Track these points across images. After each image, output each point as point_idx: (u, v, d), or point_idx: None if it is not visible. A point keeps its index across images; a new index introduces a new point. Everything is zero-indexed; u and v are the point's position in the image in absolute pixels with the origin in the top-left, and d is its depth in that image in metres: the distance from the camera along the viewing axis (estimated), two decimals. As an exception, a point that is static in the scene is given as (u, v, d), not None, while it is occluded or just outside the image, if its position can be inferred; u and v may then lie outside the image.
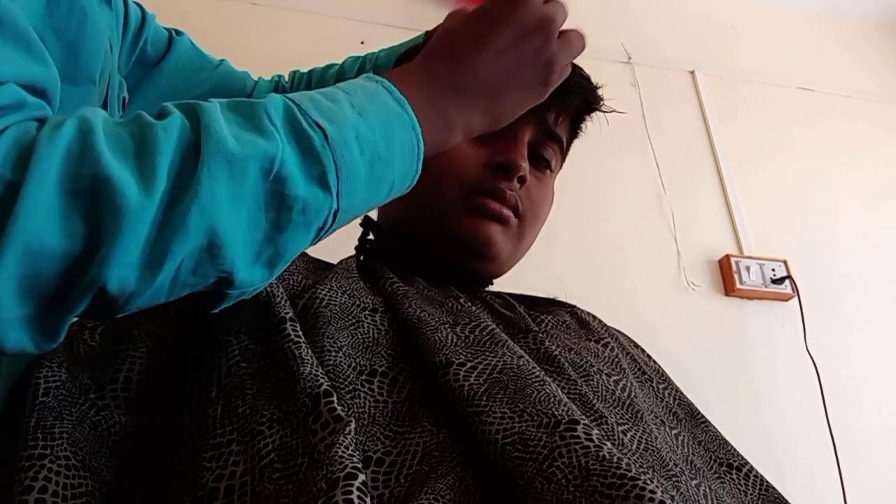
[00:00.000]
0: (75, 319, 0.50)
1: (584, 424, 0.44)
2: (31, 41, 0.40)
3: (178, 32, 0.84)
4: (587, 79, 0.73)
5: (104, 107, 0.59)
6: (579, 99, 0.72)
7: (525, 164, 0.68)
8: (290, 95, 0.44)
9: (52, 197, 0.34)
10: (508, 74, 0.53)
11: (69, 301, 0.35)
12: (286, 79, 0.98)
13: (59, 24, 0.46)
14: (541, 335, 0.61)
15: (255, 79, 0.95)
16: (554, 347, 0.60)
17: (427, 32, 0.83)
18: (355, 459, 0.40)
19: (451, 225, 0.68)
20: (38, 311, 0.35)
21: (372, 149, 0.45)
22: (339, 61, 0.94)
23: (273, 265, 0.43)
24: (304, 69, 0.97)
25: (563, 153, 0.78)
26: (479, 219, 0.68)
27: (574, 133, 0.78)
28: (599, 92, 0.75)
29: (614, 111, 0.77)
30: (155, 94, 0.81)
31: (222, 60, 0.90)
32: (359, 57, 0.91)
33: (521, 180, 0.69)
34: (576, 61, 0.68)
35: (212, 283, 0.40)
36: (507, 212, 0.69)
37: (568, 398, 0.53)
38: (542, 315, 0.71)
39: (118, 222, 0.35)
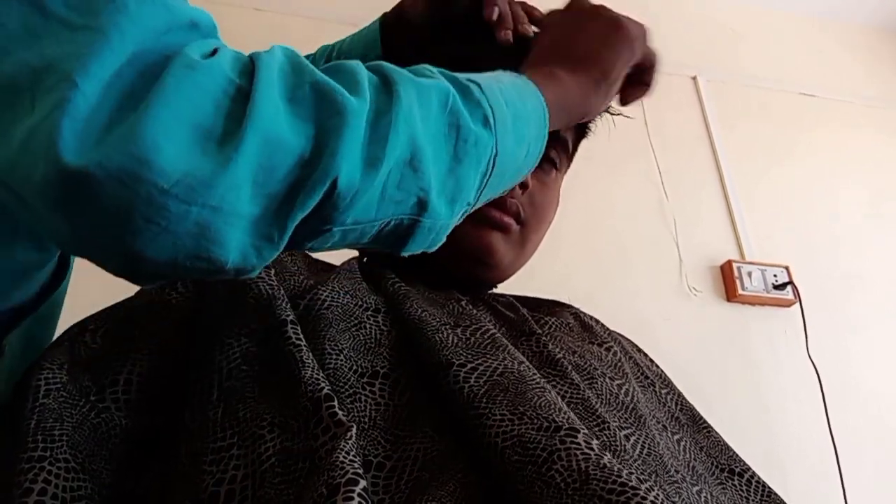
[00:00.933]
0: (84, 322, 0.50)
1: (584, 433, 0.44)
2: None
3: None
4: None
5: None
6: None
7: None
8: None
9: (279, 101, 0.36)
10: (601, 44, 0.60)
11: (301, 198, 0.36)
12: None
13: None
14: (544, 338, 0.61)
15: None
16: (557, 351, 0.60)
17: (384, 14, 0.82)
18: (356, 465, 0.40)
19: (452, 233, 0.67)
20: (270, 209, 0.36)
21: (514, 106, 0.49)
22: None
23: (453, 201, 0.45)
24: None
25: (570, 154, 0.77)
26: (479, 227, 0.67)
27: (580, 133, 0.77)
28: None
29: (621, 114, 0.76)
30: None
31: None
32: (327, 46, 0.91)
33: (523, 186, 0.68)
34: None
35: (412, 202, 0.43)
36: (507, 219, 0.68)
37: (570, 403, 0.52)
38: (546, 317, 0.70)
39: (341, 120, 0.37)
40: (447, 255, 0.68)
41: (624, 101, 0.64)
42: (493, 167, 0.47)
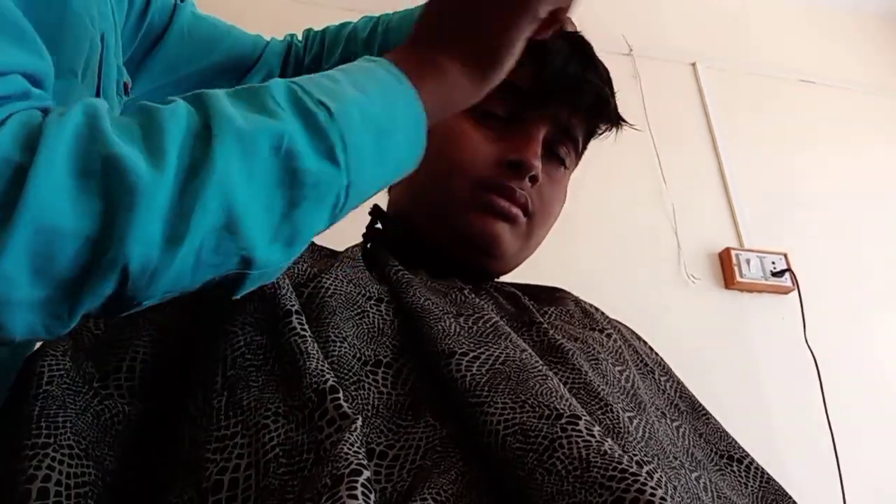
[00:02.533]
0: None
1: (585, 420, 0.44)
2: (26, 32, 0.40)
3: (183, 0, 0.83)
4: (602, 76, 0.72)
5: (97, 97, 0.58)
6: (593, 96, 0.71)
7: (537, 164, 0.67)
8: (292, 79, 0.45)
9: (62, 178, 0.33)
10: (497, 18, 0.52)
11: (90, 284, 0.35)
12: (299, 38, 0.96)
13: (39, 16, 0.45)
14: (545, 326, 0.61)
15: (268, 39, 0.93)
16: (559, 337, 0.60)
17: None
18: (360, 456, 0.40)
19: (459, 221, 0.67)
20: (54, 294, 0.34)
21: (376, 123, 0.45)
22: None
23: (291, 244, 0.43)
24: (319, 28, 0.96)
25: (579, 152, 0.76)
26: (487, 216, 0.67)
27: (590, 132, 0.76)
28: (614, 96, 0.74)
29: (628, 124, 0.76)
30: (162, 65, 0.80)
31: (231, 28, 0.89)
32: (372, 17, 0.90)
33: (533, 179, 0.68)
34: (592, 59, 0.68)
35: (234, 263, 0.40)
36: (515, 210, 0.68)
37: (572, 389, 0.53)
38: (546, 306, 0.71)
39: (132, 199, 0.34)
40: (452, 243, 0.68)
41: (535, 37, 0.55)
42: (346, 196, 0.44)
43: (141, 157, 0.35)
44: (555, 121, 0.70)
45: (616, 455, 0.41)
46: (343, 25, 0.93)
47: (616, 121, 0.75)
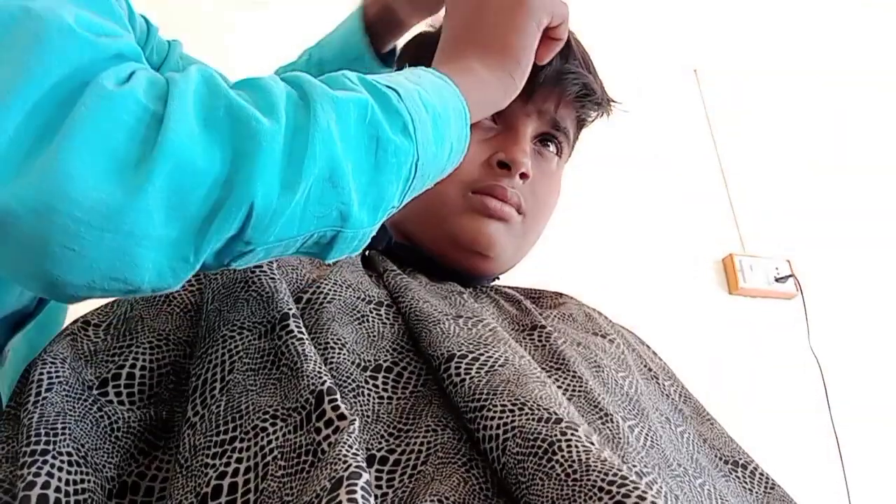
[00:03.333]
0: (87, 316, 0.50)
1: (584, 429, 0.44)
2: (121, 17, 0.43)
3: (174, 41, 0.84)
4: (586, 66, 0.71)
5: None
6: (578, 85, 0.70)
7: (526, 160, 0.67)
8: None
9: (194, 124, 0.36)
10: (487, 11, 0.58)
11: (218, 223, 0.37)
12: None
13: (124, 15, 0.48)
14: (548, 329, 0.61)
15: None
16: (561, 343, 0.59)
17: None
18: (359, 458, 0.40)
19: (453, 224, 0.67)
20: (185, 232, 0.37)
21: (433, 108, 0.49)
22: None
23: (376, 209, 0.46)
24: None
25: (571, 143, 0.76)
26: (480, 218, 0.67)
27: (580, 122, 0.76)
28: (600, 80, 0.74)
29: (616, 103, 0.76)
30: None
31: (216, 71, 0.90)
32: (308, 50, 0.91)
33: (524, 177, 0.68)
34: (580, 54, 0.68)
35: (333, 216, 0.43)
36: (509, 210, 0.68)
37: (573, 396, 0.52)
38: (548, 310, 0.70)
39: (255, 145, 0.38)
40: (448, 247, 0.68)
41: (540, 60, 0.62)
42: (415, 172, 0.48)
43: (258, 112, 0.39)
44: (542, 115, 0.70)
45: (616, 463, 0.41)
46: (290, 65, 0.94)
47: (605, 106, 0.75)
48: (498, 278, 0.77)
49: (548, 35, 0.60)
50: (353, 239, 0.46)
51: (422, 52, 0.72)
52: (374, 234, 0.48)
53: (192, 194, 0.36)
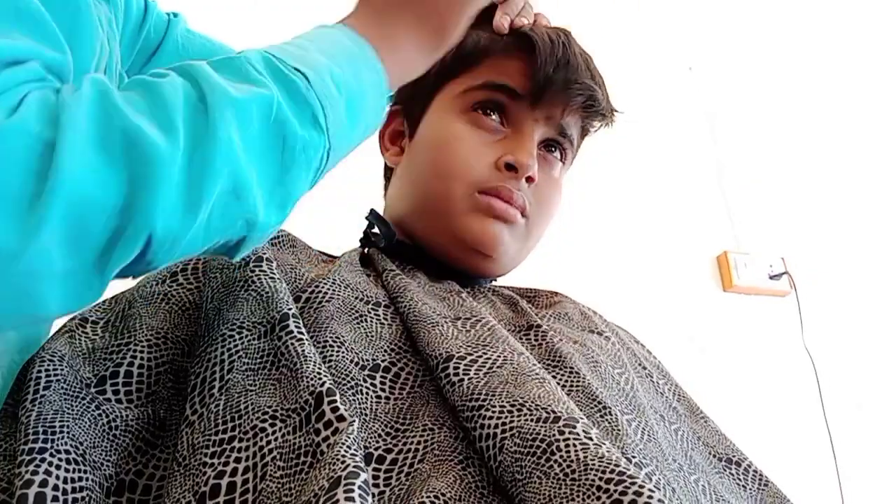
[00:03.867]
0: (85, 313, 0.50)
1: (583, 423, 0.44)
2: (48, 27, 0.41)
3: (175, 14, 0.84)
4: (594, 76, 0.72)
5: None
6: (584, 96, 0.71)
7: (533, 164, 0.68)
8: (264, 48, 0.47)
9: (89, 151, 0.35)
10: None
11: (118, 251, 0.36)
12: None
13: (53, 14, 0.46)
14: (544, 328, 0.61)
15: None
16: (558, 341, 0.60)
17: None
18: (357, 458, 0.40)
19: (458, 224, 0.68)
20: (86, 263, 0.36)
21: (346, 87, 0.47)
22: None
23: (284, 206, 0.45)
24: None
25: (575, 150, 0.77)
26: (485, 219, 0.68)
27: (585, 130, 0.77)
28: (605, 91, 0.74)
29: (620, 113, 0.76)
30: None
31: (222, 45, 0.90)
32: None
33: (530, 180, 0.69)
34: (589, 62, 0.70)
35: (239, 226, 0.42)
36: (514, 212, 0.68)
37: (571, 392, 0.53)
38: (544, 309, 0.71)
39: (153, 169, 0.36)
40: (451, 246, 0.69)
41: (502, 30, 0.62)
42: (326, 159, 0.46)
43: (155, 129, 0.37)
44: (549, 121, 0.71)
45: (614, 458, 0.41)
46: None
47: (609, 115, 0.76)
48: (496, 280, 0.77)
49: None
50: (260, 238, 0.45)
51: None
52: (280, 225, 0.47)
53: (90, 226, 0.35)
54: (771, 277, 1.94)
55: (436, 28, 0.55)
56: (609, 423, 0.50)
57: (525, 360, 0.52)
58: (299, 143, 0.43)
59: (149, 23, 0.78)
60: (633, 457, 0.46)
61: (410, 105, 0.71)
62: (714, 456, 0.62)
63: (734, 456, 0.63)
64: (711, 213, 2.06)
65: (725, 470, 0.61)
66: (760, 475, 0.62)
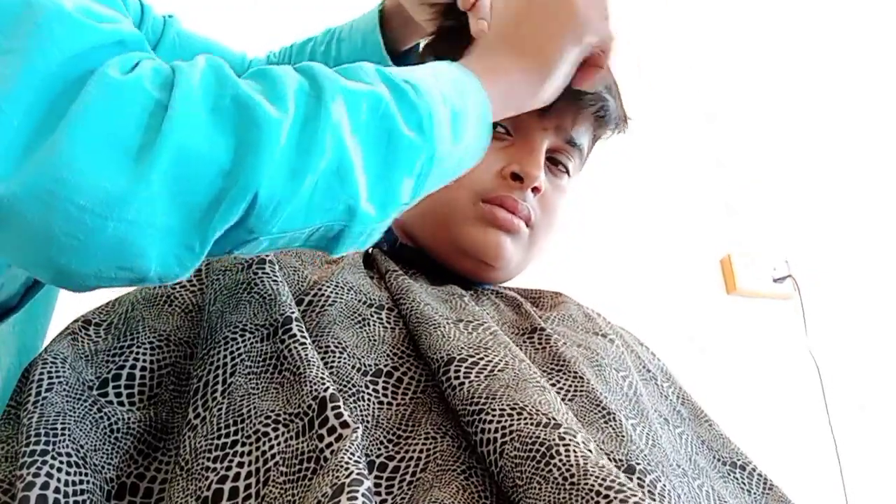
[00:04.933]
0: (88, 315, 0.50)
1: (583, 434, 0.44)
2: (121, 9, 0.43)
3: (169, 16, 0.84)
4: (607, 86, 0.71)
5: None
6: (596, 105, 0.70)
7: (539, 174, 0.67)
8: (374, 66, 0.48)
9: (199, 113, 0.36)
10: (533, 18, 0.58)
11: (221, 211, 0.37)
12: (275, 53, 0.97)
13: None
14: (547, 332, 0.61)
15: (251, 57, 0.95)
16: (561, 344, 0.59)
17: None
18: (361, 465, 0.40)
19: (461, 232, 0.67)
20: (188, 221, 0.37)
21: (451, 104, 0.48)
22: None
23: (384, 206, 0.45)
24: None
25: (584, 159, 0.76)
26: (489, 228, 0.67)
27: (597, 137, 0.76)
28: (618, 101, 0.73)
29: (631, 121, 0.76)
30: None
31: (217, 44, 0.90)
32: (329, 29, 0.91)
33: (536, 190, 0.68)
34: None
35: (340, 210, 0.43)
36: (518, 222, 0.67)
37: (575, 397, 0.52)
38: (548, 311, 0.70)
39: (261, 134, 0.37)
40: (454, 254, 0.68)
41: (577, 84, 0.61)
42: (429, 169, 0.47)
43: (267, 102, 0.39)
44: (559, 131, 0.70)
45: (614, 470, 0.41)
46: (308, 40, 0.94)
47: (622, 122, 0.75)
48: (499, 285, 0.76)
49: (589, 61, 0.60)
50: (360, 234, 0.46)
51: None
52: (383, 230, 0.48)
53: (195, 183, 0.36)
54: (775, 280, 1.94)
55: (535, 54, 0.56)
56: (613, 428, 0.49)
57: (526, 366, 0.51)
58: (404, 142, 0.44)
59: (146, 25, 0.78)
60: (639, 463, 0.46)
61: None
62: (718, 460, 0.62)
63: (738, 460, 0.62)
64: (715, 215, 2.05)
65: (730, 474, 0.61)
66: (765, 479, 0.61)
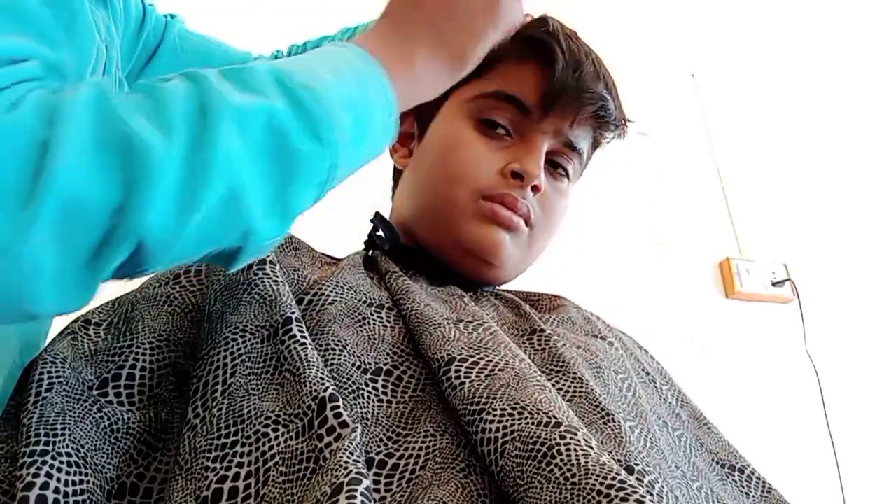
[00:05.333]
0: (88, 315, 0.50)
1: (583, 433, 0.44)
2: (48, 28, 0.42)
3: (172, 16, 0.84)
4: (607, 86, 0.72)
5: None
6: (596, 106, 0.70)
7: (539, 173, 0.67)
8: (272, 63, 0.46)
9: (84, 152, 0.35)
10: (457, 10, 0.56)
11: (109, 252, 0.36)
12: (283, 53, 0.97)
13: (51, 16, 0.47)
14: (547, 334, 0.61)
15: (255, 56, 0.95)
16: (561, 345, 0.60)
17: None
18: (360, 464, 0.40)
19: (461, 230, 0.67)
20: (78, 264, 0.36)
21: (353, 107, 0.47)
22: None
23: (284, 219, 0.44)
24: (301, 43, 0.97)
25: (583, 163, 0.76)
26: (489, 226, 0.67)
27: (597, 141, 0.76)
28: (617, 102, 0.74)
29: (630, 124, 0.76)
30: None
31: (221, 44, 0.90)
32: (347, 28, 0.91)
33: (535, 189, 0.68)
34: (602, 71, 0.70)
35: (235, 235, 0.42)
36: (517, 220, 0.68)
37: (574, 398, 0.53)
38: (548, 314, 0.71)
39: (149, 171, 0.36)
40: (454, 252, 0.68)
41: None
42: (332, 176, 0.46)
43: (153, 131, 0.37)
44: (557, 135, 0.70)
45: (615, 467, 0.41)
46: (323, 38, 0.94)
47: (622, 125, 0.75)
48: (499, 286, 0.76)
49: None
50: (259, 249, 0.45)
51: None
52: (283, 236, 0.46)
53: (82, 226, 0.35)
54: (773, 284, 1.94)
55: (454, 53, 0.55)
56: (612, 430, 0.49)
57: (526, 366, 0.51)
58: (301, 155, 0.43)
59: (147, 27, 0.78)
60: (637, 464, 0.46)
61: (421, 108, 0.71)
62: (717, 462, 0.62)
63: (737, 463, 0.62)
64: (714, 219, 2.06)
65: (728, 477, 0.61)
66: (764, 482, 0.62)
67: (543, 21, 0.71)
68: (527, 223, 0.69)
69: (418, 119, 0.74)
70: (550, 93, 0.68)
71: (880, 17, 2.50)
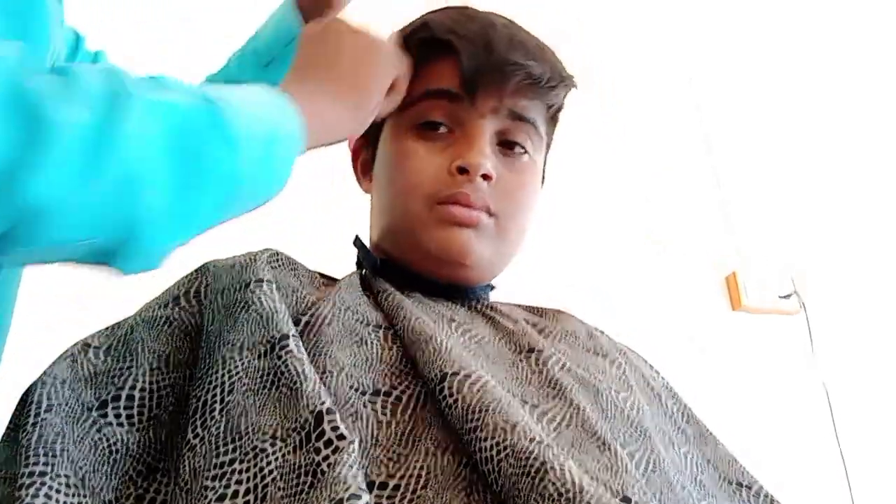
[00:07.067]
0: (88, 339, 0.50)
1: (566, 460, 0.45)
2: None
3: (97, 52, 0.84)
4: (527, 50, 0.69)
5: None
6: (520, 75, 0.67)
7: (485, 161, 0.65)
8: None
9: None
10: (361, 63, 0.63)
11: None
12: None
13: (9, 5, 0.47)
14: (545, 355, 0.61)
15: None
16: (558, 368, 0.59)
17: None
18: (360, 480, 0.40)
19: (423, 238, 0.66)
20: None
21: (264, 128, 0.48)
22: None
23: (186, 225, 0.44)
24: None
25: (541, 133, 0.73)
26: (448, 228, 0.66)
27: (547, 106, 0.73)
28: (547, 63, 0.70)
29: (575, 83, 0.74)
30: None
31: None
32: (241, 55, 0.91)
33: (486, 178, 0.66)
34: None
35: (121, 224, 0.40)
36: (476, 214, 0.66)
37: (569, 426, 0.53)
38: (550, 327, 0.70)
39: (47, 135, 0.36)
40: (424, 260, 0.68)
41: (383, 111, 0.67)
42: (231, 189, 0.46)
43: (62, 101, 0.37)
44: (496, 112, 0.68)
45: (606, 494, 0.41)
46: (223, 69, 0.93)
47: (565, 80, 0.72)
48: (492, 287, 0.75)
49: (392, 87, 0.66)
50: (149, 253, 0.43)
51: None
52: (174, 250, 0.45)
53: None
54: (780, 297, 1.93)
55: (352, 87, 0.62)
56: (608, 458, 0.49)
57: (507, 388, 0.52)
58: (208, 160, 0.43)
59: (79, 55, 0.78)
60: (633, 494, 0.46)
61: (369, 132, 0.71)
62: (724, 479, 0.62)
63: (744, 479, 0.62)
64: (720, 232, 2.05)
65: (736, 494, 0.60)
66: (771, 499, 0.61)
67: (435, 17, 0.72)
68: (489, 214, 0.67)
69: (372, 144, 0.74)
70: (468, 74, 0.66)
71: (879, 19, 2.50)
